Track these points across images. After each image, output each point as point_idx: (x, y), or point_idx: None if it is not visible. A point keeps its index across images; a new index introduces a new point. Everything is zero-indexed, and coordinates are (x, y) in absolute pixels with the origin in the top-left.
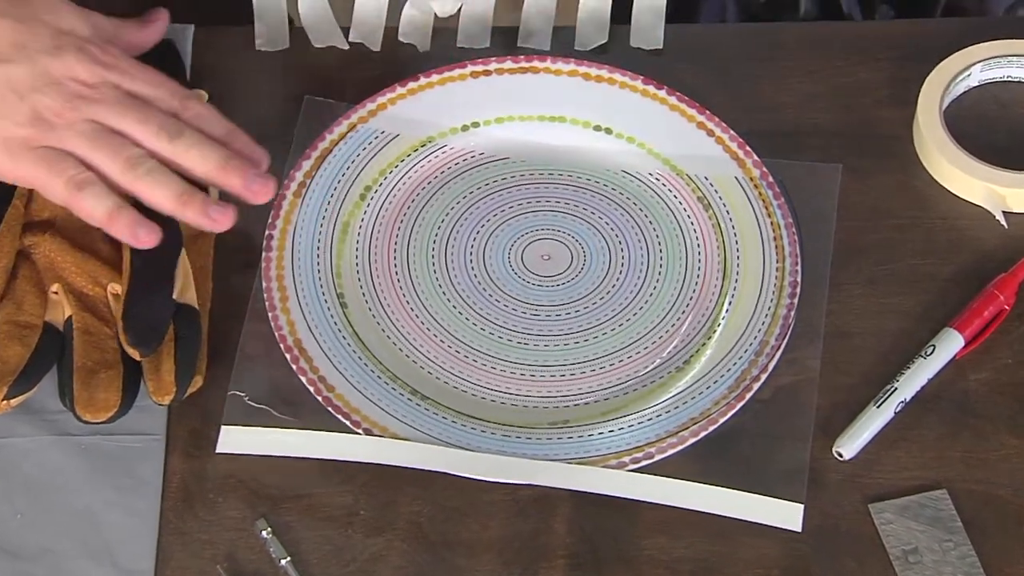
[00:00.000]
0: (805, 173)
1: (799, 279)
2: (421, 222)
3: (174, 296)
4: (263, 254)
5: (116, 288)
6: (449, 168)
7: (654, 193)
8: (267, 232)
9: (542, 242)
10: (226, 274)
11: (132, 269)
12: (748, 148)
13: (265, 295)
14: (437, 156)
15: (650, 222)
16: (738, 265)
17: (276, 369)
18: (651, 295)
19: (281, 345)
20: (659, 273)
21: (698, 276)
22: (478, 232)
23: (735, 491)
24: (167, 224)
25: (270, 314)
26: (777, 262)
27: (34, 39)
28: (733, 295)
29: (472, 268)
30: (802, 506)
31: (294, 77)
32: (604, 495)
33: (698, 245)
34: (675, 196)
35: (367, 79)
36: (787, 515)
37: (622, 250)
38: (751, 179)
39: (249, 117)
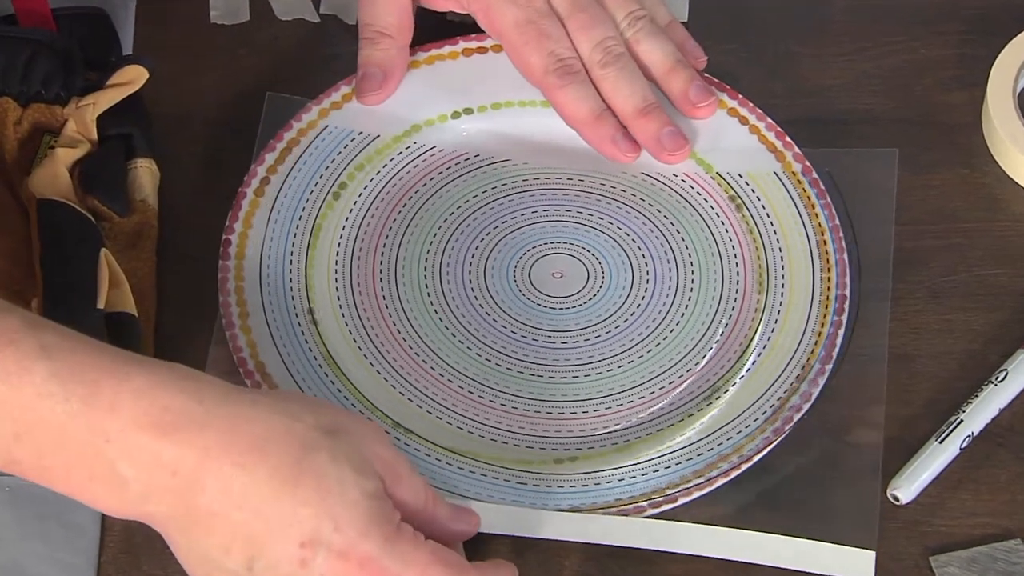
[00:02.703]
0: (855, 163)
1: (848, 292)
2: (414, 228)
3: (100, 306)
4: (219, 262)
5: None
6: (441, 173)
7: (680, 197)
8: (224, 237)
9: (553, 257)
10: (187, 287)
11: (44, 283)
12: (788, 139)
13: (222, 311)
14: (424, 159)
15: (677, 231)
16: (783, 276)
17: None
18: (683, 316)
19: (240, 369)
20: (691, 291)
21: (736, 292)
22: (477, 246)
23: (775, 535)
24: (81, 228)
25: (228, 332)
26: (823, 272)
27: (271, 544)
28: (774, 313)
29: (471, 286)
30: (873, 553)
31: (254, 55)
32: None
33: (735, 255)
34: (705, 199)
35: (340, 57)
36: (838, 565)
37: (646, 265)
38: (792, 175)
39: (202, 101)
